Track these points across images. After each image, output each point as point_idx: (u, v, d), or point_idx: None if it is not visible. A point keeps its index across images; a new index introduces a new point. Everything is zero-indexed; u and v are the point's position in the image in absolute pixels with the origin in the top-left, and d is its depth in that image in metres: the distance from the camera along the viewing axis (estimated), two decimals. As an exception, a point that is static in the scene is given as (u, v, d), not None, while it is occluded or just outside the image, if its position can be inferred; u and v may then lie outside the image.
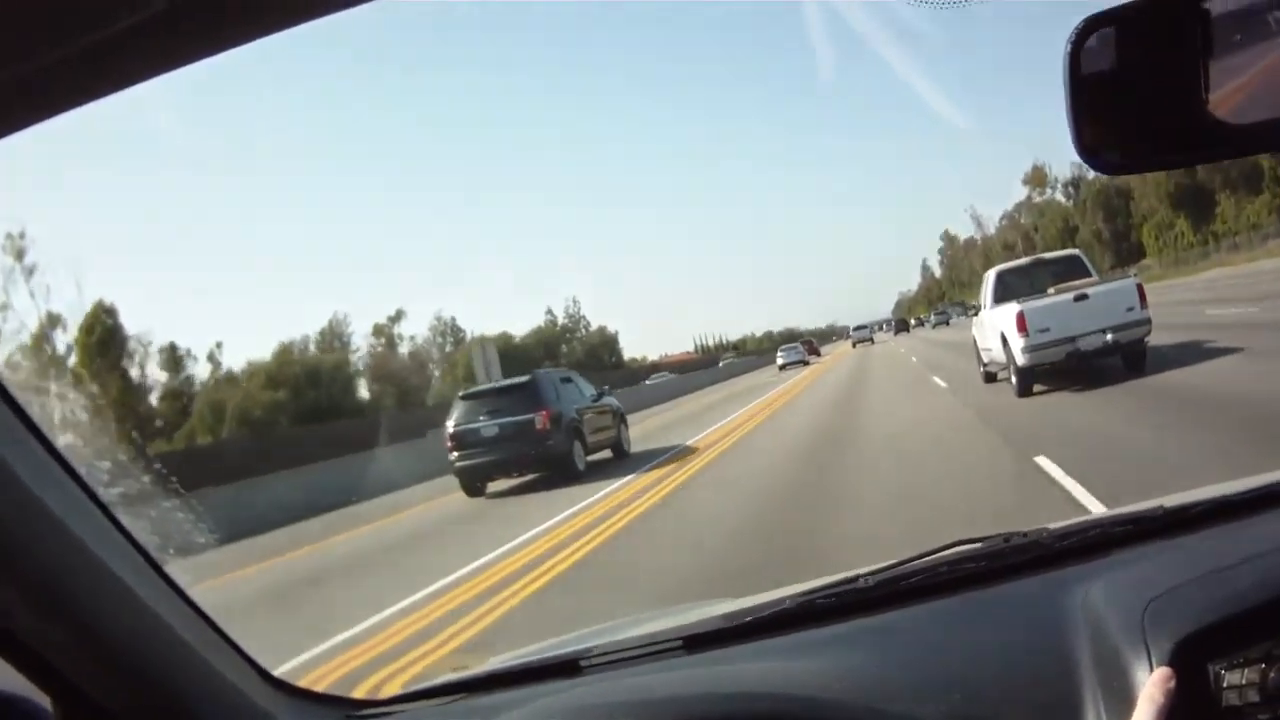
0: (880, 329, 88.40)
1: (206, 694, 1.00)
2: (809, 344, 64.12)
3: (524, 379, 13.93)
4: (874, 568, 1.24)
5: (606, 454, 14.88)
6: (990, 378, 13.94)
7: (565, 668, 1.26)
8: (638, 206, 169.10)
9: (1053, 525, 1.25)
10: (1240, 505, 1.17)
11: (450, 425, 13.52)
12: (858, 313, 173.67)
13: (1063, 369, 11.23)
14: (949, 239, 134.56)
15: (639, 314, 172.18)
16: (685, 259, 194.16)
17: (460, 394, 14.37)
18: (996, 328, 12.03)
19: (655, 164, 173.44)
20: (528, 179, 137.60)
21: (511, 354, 59.31)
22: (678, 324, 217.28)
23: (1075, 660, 0.94)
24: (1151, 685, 0.82)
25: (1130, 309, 10.73)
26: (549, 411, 13.09)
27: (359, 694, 1.46)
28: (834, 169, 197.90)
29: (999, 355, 12.28)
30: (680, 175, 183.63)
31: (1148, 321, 10.80)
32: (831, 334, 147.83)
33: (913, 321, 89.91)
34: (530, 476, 13.81)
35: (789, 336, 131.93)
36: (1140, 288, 11.01)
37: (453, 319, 66.91)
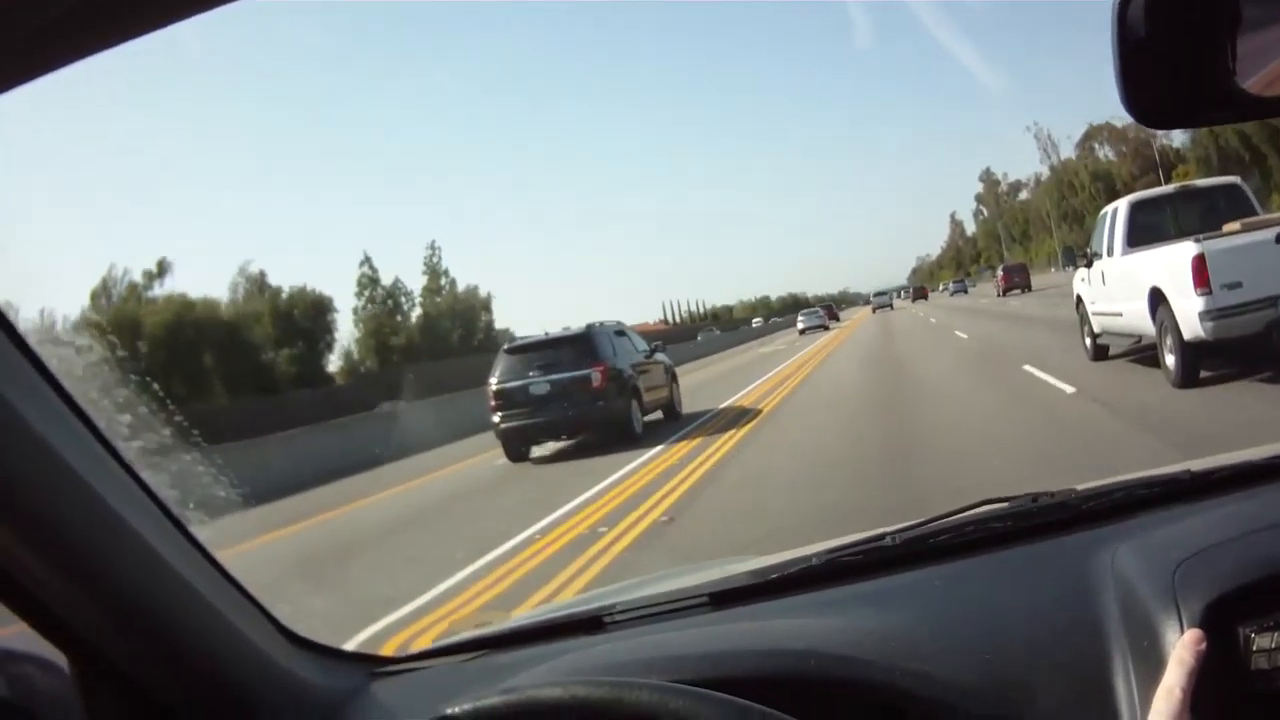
0: (898, 296, 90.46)
1: (227, 651, 0.98)
2: (828, 309, 65.97)
3: (578, 331, 12.50)
4: (900, 526, 1.23)
5: (657, 415, 13.54)
6: (1101, 352, 10.50)
7: (589, 624, 1.24)
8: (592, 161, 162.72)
9: (1080, 486, 1.23)
10: (1267, 471, 1.16)
11: (494, 382, 12.15)
12: (872, 279, 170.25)
13: (1243, 345, 7.40)
14: (989, 182, 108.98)
15: (585, 276, 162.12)
16: (657, 219, 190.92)
17: (505, 347, 12.99)
18: (1140, 281, 8.33)
19: (624, 115, 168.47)
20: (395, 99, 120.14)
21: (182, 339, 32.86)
22: (643, 289, 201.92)
23: (1104, 621, 0.93)
24: (1182, 647, 0.81)
25: None
26: (605, 367, 11.77)
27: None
28: (852, 129, 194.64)
29: (1135, 322, 8.61)
30: (659, 130, 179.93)
31: None
32: (843, 300, 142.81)
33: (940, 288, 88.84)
34: (570, 441, 12.57)
35: (792, 303, 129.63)
36: None
37: (261, 272, 45.13)
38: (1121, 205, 9.76)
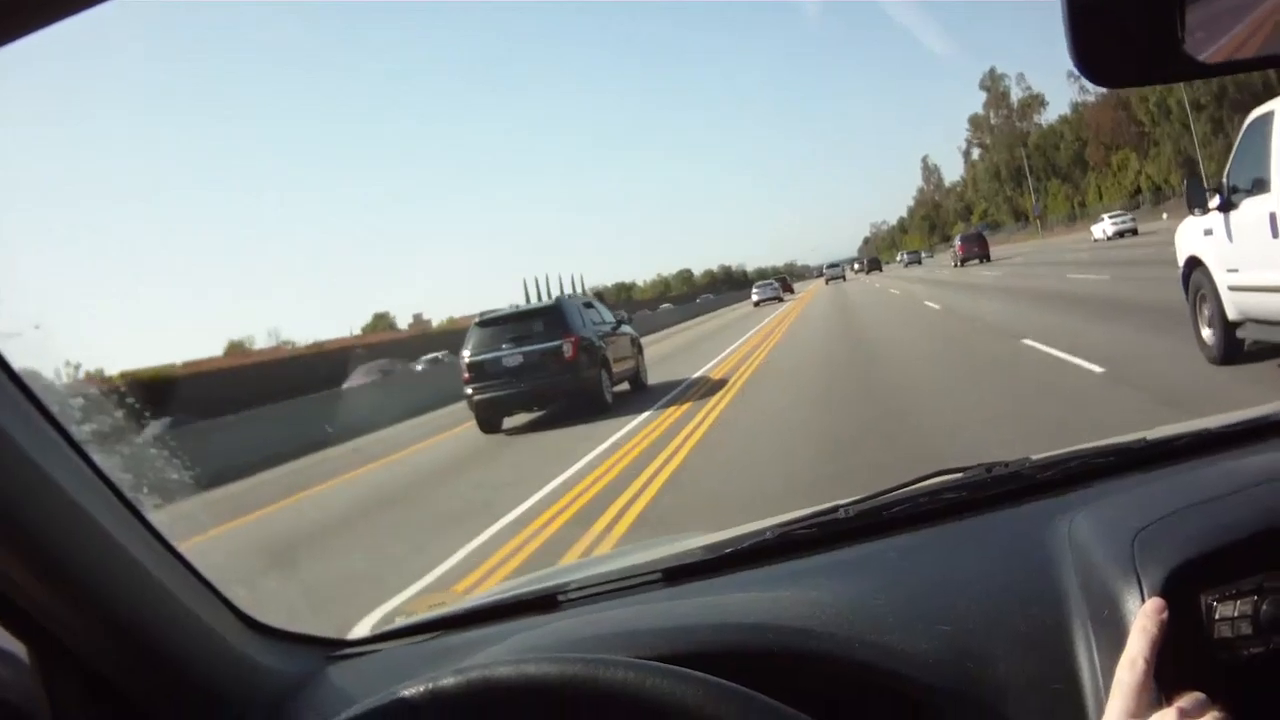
0: (851, 269, 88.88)
1: (181, 636, 0.99)
2: (783, 281, 68.36)
3: (548, 303, 12.79)
4: (854, 498, 1.23)
5: (624, 386, 13.87)
6: (1233, 350, 6.55)
7: (543, 603, 1.25)
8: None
9: (1034, 456, 1.23)
10: (1223, 439, 1.17)
11: (466, 354, 12.43)
12: (820, 251, 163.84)
13: None
14: (995, 95, 75.40)
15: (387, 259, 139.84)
16: (520, 182, 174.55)
17: (477, 320, 13.18)
18: None
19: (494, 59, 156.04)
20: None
21: None
22: (492, 267, 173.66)
23: (1063, 590, 0.92)
24: (1144, 615, 0.79)
25: None
26: (577, 338, 12.05)
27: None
28: (789, 84, 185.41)
29: None
30: (543, 85, 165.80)
31: None
32: (789, 274, 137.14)
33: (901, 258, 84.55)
34: (539, 413, 12.87)
35: (725, 279, 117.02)
36: None
37: None
38: None
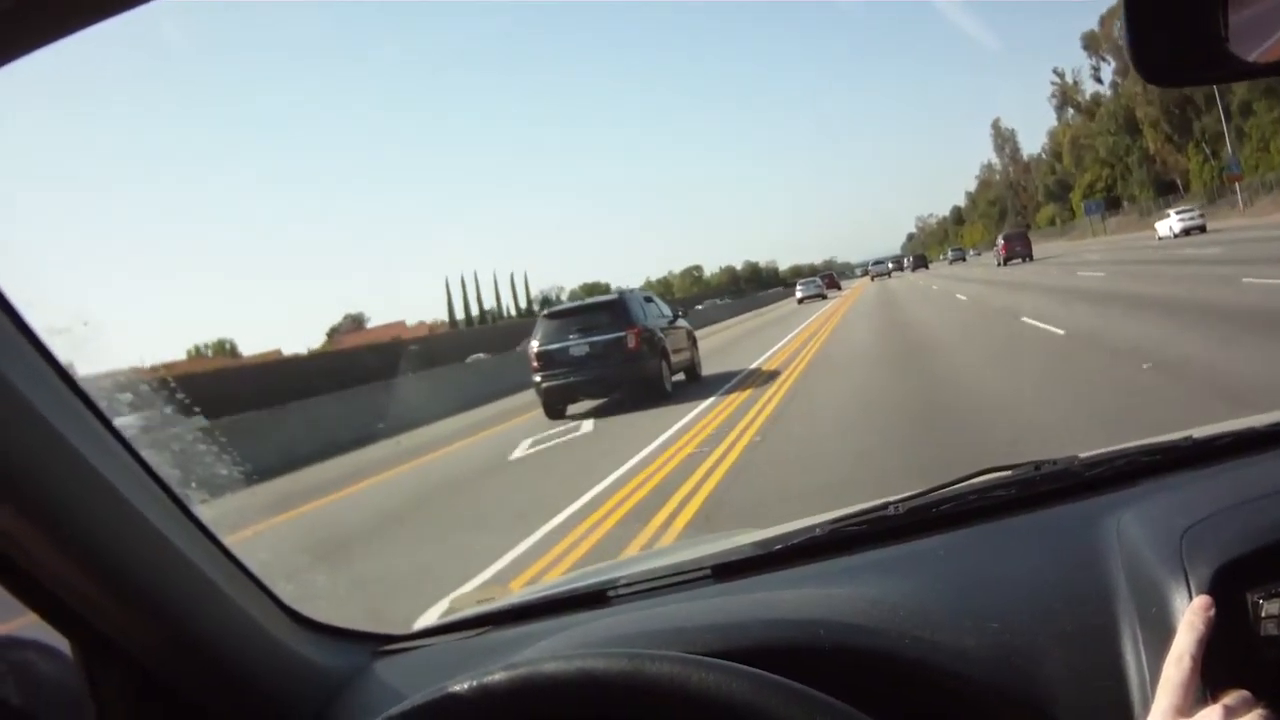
0: (888, 265, 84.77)
1: (229, 631, 1.00)
2: (829, 278, 66.35)
3: (612, 296, 13.58)
4: (903, 495, 1.23)
5: (680, 376, 14.52)
6: None
7: (593, 598, 1.25)
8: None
9: (1083, 454, 1.24)
10: (1270, 437, 1.17)
11: (535, 344, 13.24)
12: (861, 248, 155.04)
13: None
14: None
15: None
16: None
17: (544, 313, 14.00)
18: None
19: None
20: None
21: None
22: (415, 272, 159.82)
23: (1111, 587, 0.93)
24: (1191, 613, 0.80)
25: None
26: (639, 329, 12.80)
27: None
28: (833, 67, 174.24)
29: None
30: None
31: None
32: (829, 270, 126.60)
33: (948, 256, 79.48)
34: (601, 400, 13.54)
35: (752, 277, 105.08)
36: None
37: None
38: None
